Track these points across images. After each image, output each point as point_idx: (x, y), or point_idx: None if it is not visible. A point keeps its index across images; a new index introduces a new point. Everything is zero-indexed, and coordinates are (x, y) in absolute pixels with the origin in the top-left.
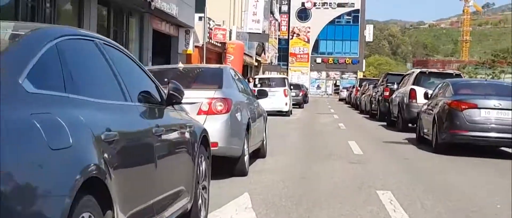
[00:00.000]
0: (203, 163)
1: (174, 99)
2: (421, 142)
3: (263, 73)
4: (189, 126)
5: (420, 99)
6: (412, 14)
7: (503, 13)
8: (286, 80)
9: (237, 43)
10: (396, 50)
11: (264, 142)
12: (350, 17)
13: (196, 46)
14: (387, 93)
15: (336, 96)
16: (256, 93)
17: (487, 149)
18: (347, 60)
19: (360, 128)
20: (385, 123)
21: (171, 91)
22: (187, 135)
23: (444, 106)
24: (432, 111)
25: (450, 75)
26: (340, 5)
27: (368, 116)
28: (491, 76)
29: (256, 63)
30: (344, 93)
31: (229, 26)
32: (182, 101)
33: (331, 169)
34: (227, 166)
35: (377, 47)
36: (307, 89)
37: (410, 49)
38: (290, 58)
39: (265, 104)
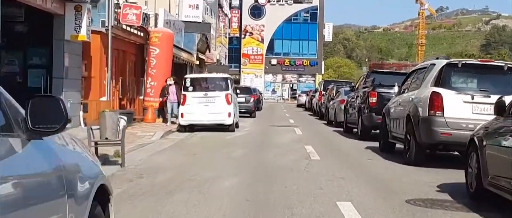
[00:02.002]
0: None
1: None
2: (487, 199)
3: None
4: None
5: (450, 112)
6: (366, 19)
7: (457, 17)
8: (229, 81)
9: (163, 31)
10: (350, 54)
11: None
12: (307, 15)
13: (96, 32)
14: (374, 99)
15: (293, 101)
16: None
17: None
18: (305, 62)
19: (343, 157)
20: (374, 144)
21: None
22: None
23: None
24: None
25: (500, 69)
26: (296, 1)
27: (340, 129)
28: None
29: (198, 62)
30: (303, 98)
31: (154, 9)
32: None
33: None
34: None
35: (332, 51)
36: (260, 93)
37: (365, 53)
38: (242, 60)
39: (201, 115)
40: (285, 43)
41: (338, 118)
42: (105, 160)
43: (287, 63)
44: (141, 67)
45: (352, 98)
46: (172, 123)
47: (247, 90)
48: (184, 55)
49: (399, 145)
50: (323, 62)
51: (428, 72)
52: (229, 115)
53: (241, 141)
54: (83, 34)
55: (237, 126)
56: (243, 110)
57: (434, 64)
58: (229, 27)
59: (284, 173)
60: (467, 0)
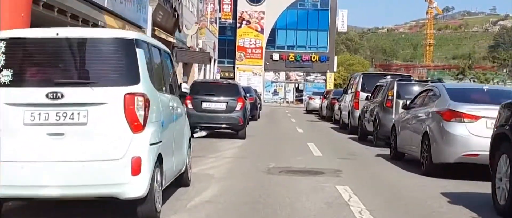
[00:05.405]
0: None
1: None
2: None
3: (183, 66)
4: None
5: None
6: (368, 20)
7: (463, 18)
8: (144, 53)
9: None
10: (354, 55)
11: None
12: (317, 0)
13: None
14: None
15: (298, 104)
16: None
17: None
18: (313, 57)
19: None
20: None
21: None
22: None
23: None
24: None
25: None
26: None
27: (452, 181)
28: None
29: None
30: (316, 102)
31: None
32: None
33: None
34: None
35: (335, 51)
36: (258, 95)
37: (369, 54)
38: (237, 54)
39: (38, 170)
40: (290, 34)
41: (438, 156)
42: None
43: (291, 58)
44: None
45: None
46: None
47: (231, 90)
48: (112, 22)
49: None
50: (335, 58)
51: None
52: (136, 167)
53: None
54: None
55: (184, 183)
56: (223, 125)
57: None
58: (220, 11)
59: None
60: (471, 2)
